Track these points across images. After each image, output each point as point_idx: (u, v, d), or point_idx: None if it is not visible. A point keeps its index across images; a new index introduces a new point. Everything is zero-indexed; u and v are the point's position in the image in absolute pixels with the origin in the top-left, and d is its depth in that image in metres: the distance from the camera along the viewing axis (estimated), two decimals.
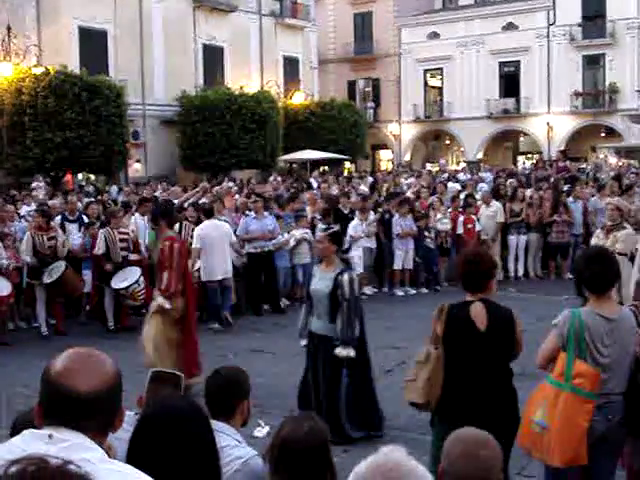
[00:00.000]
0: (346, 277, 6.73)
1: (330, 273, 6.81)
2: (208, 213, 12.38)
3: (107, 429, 2.12)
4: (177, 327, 8.50)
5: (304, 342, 7.18)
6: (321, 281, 6.87)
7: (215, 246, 11.89)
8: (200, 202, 13.49)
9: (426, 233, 14.90)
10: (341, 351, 6.66)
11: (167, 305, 8.29)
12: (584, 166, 29.44)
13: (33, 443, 1.99)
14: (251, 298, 13.37)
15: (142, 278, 11.71)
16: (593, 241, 9.88)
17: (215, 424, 3.20)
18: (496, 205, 15.69)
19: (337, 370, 6.79)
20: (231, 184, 21.19)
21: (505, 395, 4.63)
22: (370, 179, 24.15)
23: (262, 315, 13.05)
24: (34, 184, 19.66)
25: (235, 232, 12.95)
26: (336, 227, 7.48)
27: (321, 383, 6.95)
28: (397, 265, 14.72)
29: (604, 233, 9.51)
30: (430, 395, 4.67)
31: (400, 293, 14.64)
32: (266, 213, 13.51)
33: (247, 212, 13.87)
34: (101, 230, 12.21)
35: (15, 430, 2.26)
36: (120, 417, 2.17)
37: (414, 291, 14.67)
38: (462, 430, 2.84)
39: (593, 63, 40.80)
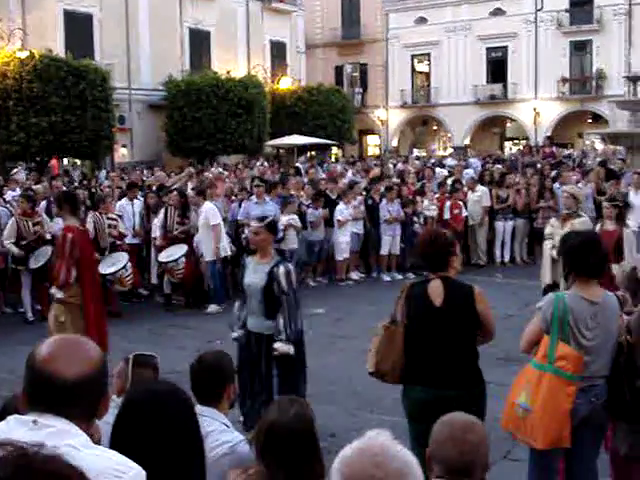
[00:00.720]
0: (282, 269, 6.28)
1: (265, 265, 6.37)
2: (204, 195, 12.46)
3: (92, 415, 2.13)
4: (77, 315, 8.44)
5: (235, 334, 6.66)
6: (255, 274, 6.40)
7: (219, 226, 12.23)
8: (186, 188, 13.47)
9: (415, 219, 14.93)
10: (282, 346, 6.20)
11: (58, 295, 8.30)
12: (571, 152, 29.54)
13: (17, 429, 2.00)
14: None
15: (129, 263, 11.70)
16: (547, 230, 9.85)
17: (202, 409, 3.21)
18: (481, 190, 15.75)
19: (272, 368, 6.39)
20: (220, 169, 21.13)
21: (466, 370, 4.74)
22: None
23: None
24: (14, 170, 19.58)
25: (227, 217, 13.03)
26: (271, 217, 7.16)
27: (256, 381, 6.51)
28: (384, 250, 14.76)
29: (560, 221, 9.52)
30: (380, 365, 4.90)
31: (387, 278, 14.67)
32: (267, 198, 13.50)
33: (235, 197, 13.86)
34: (90, 214, 12.17)
35: (1, 416, 2.26)
36: (105, 403, 2.17)
37: (401, 276, 14.70)
38: (449, 415, 2.86)
39: (580, 49, 40.84)
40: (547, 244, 9.85)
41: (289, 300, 6.27)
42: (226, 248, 12.42)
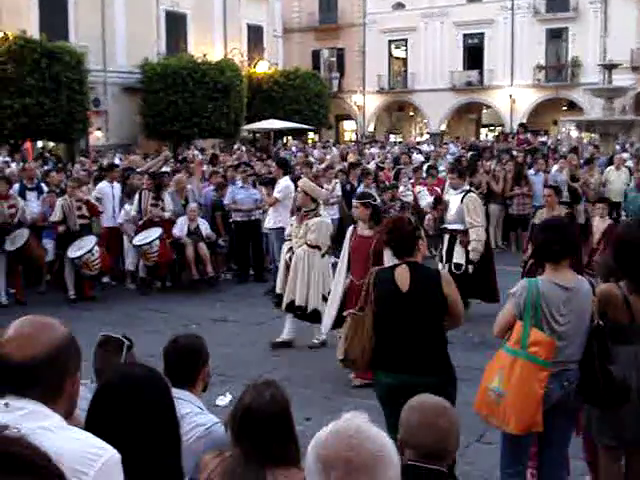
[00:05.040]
0: None
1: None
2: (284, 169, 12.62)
3: (55, 397, 2.11)
4: None
5: None
6: None
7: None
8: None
9: (392, 204, 14.93)
10: None
11: None
12: (545, 139, 29.71)
13: None
14: (240, 266, 13.52)
15: (97, 247, 11.62)
16: (287, 231, 9.57)
17: (177, 392, 3.21)
18: None
19: None
20: (197, 152, 21.05)
21: (434, 356, 4.77)
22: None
23: (247, 283, 13.12)
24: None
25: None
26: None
27: None
28: None
29: (298, 220, 9.04)
30: (349, 352, 4.98)
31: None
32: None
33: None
34: (59, 198, 12.07)
35: None
36: (72, 385, 2.16)
37: None
38: (418, 399, 2.89)
39: (556, 37, 41.01)
40: (285, 246, 9.27)
41: None
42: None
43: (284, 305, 8.91)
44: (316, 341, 8.99)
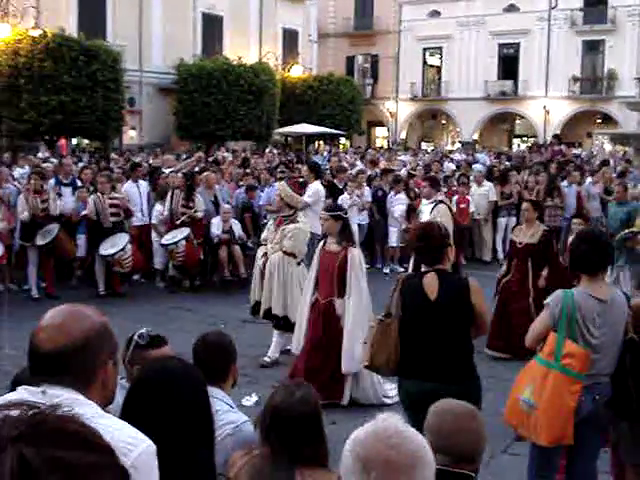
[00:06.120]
0: None
1: None
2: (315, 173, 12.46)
3: (89, 385, 2.14)
4: None
5: None
6: None
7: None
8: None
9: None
10: None
11: None
12: (579, 151, 29.46)
13: (27, 399, 2.01)
14: None
15: (129, 245, 11.73)
16: (263, 235, 9.38)
17: (208, 389, 3.22)
18: (488, 185, 15.76)
19: None
20: (227, 154, 21.15)
21: (461, 364, 4.75)
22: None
23: None
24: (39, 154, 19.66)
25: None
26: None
27: None
28: (392, 242, 14.77)
29: (275, 225, 8.83)
30: (375, 358, 4.95)
31: (386, 270, 14.67)
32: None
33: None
34: (91, 196, 12.19)
35: (14, 386, 2.29)
36: (105, 373, 2.18)
37: (402, 269, 14.71)
38: (445, 404, 2.87)
39: (593, 49, 40.68)
40: (260, 250, 9.06)
41: None
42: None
43: (261, 313, 8.65)
44: (267, 359, 8.54)
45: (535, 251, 8.97)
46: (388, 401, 7.37)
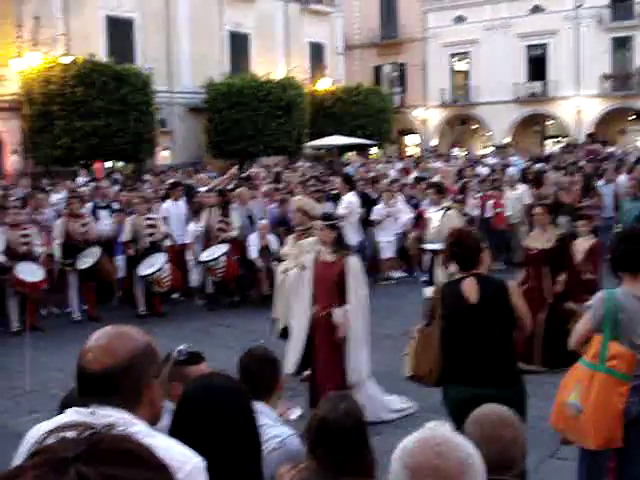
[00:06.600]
0: None
1: None
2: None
3: (136, 404, 2.17)
4: None
5: None
6: None
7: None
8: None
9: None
10: None
11: None
12: (613, 149, 29.13)
13: (78, 419, 2.04)
14: None
15: (167, 265, 11.83)
16: (283, 249, 9.13)
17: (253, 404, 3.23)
18: (522, 188, 15.62)
19: None
20: (259, 170, 21.26)
21: (505, 368, 4.73)
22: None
23: None
24: (79, 179, 19.94)
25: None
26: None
27: None
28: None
29: (294, 239, 8.41)
30: (417, 368, 4.95)
31: (423, 278, 14.61)
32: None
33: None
34: (128, 218, 12.34)
35: (63, 408, 2.33)
36: (151, 391, 2.21)
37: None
38: (479, 412, 2.86)
39: (622, 45, 40.25)
40: (280, 267, 8.59)
41: None
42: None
43: (279, 331, 8.27)
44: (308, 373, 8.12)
45: (551, 256, 8.60)
46: (393, 416, 7.19)
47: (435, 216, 9.75)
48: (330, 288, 6.88)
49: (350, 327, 6.87)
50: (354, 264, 6.93)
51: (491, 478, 2.63)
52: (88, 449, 1.19)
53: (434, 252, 9.56)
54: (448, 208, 9.70)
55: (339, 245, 6.96)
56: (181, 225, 13.19)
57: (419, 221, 10.93)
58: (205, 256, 12.28)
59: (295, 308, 7.23)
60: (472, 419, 2.82)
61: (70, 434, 1.26)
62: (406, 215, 14.26)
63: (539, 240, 8.77)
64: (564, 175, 16.79)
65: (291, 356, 7.14)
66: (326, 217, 7.23)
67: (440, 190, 10.04)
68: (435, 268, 9.44)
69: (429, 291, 9.51)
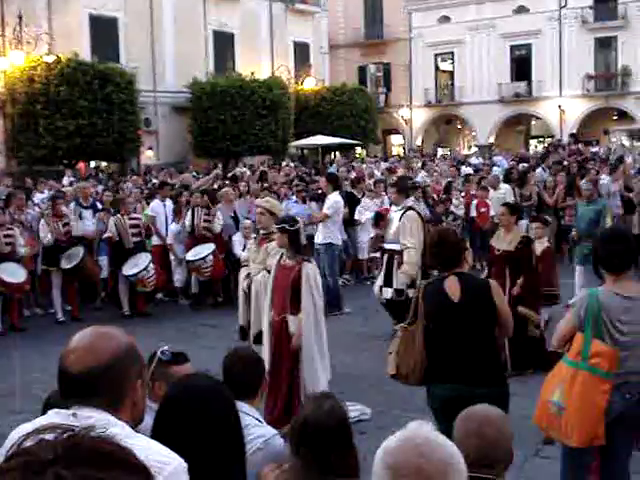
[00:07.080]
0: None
1: None
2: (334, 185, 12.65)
3: (118, 405, 2.16)
4: None
5: None
6: None
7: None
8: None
9: (443, 218, 14.86)
10: None
11: None
12: (597, 149, 29.30)
13: (58, 421, 2.03)
14: None
15: (152, 265, 11.80)
16: (244, 254, 9.14)
17: (237, 404, 3.23)
18: (505, 187, 15.63)
19: None
20: (244, 170, 21.23)
21: (488, 366, 4.75)
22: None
23: None
24: (65, 179, 19.86)
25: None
26: None
27: None
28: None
29: (257, 244, 8.12)
30: (400, 367, 4.94)
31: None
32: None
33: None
34: (112, 217, 12.28)
35: (46, 409, 2.31)
36: (133, 392, 2.20)
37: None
38: (469, 409, 2.88)
39: (605, 46, 40.46)
40: (242, 272, 8.29)
41: None
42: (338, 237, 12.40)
43: (252, 337, 7.89)
44: None
45: (512, 258, 8.42)
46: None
47: (396, 216, 9.66)
48: (285, 293, 6.68)
49: (302, 336, 6.64)
50: (310, 271, 6.69)
51: (471, 475, 2.65)
52: (66, 451, 1.18)
53: (391, 253, 9.55)
54: (409, 208, 9.63)
55: (295, 250, 6.73)
56: (166, 225, 13.15)
57: (379, 220, 10.82)
58: (192, 255, 12.24)
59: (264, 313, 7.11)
60: (461, 415, 2.85)
61: (49, 436, 1.25)
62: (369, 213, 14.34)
63: (503, 241, 8.61)
64: (548, 175, 16.87)
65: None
66: (279, 221, 7.00)
67: (401, 189, 9.87)
68: (393, 270, 9.39)
69: (389, 292, 9.53)
